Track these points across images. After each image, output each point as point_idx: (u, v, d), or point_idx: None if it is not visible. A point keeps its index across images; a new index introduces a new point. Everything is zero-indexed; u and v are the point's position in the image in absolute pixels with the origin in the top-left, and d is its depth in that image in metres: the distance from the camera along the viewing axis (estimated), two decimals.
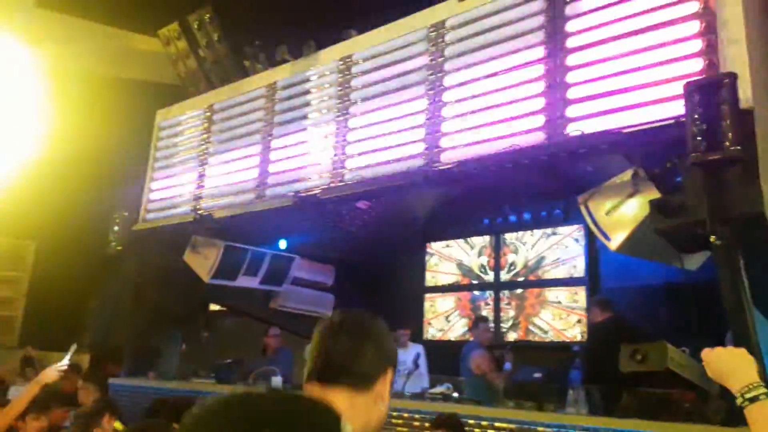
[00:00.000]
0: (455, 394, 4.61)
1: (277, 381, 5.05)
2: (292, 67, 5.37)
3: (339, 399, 1.14)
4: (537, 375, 3.78)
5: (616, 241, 3.82)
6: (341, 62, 4.97)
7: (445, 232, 7.78)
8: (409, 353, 6.34)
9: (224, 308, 7.76)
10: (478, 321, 6.48)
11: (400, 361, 6.37)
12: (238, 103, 5.74)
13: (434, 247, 7.96)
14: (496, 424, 3.82)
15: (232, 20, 6.09)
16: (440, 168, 4.09)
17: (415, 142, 4.42)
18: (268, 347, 6.52)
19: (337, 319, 1.29)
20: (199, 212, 5.70)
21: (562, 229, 6.79)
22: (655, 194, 3.55)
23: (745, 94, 3.17)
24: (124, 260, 6.31)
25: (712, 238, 3.19)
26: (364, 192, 4.61)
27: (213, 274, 5.99)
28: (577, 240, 6.68)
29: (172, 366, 6.59)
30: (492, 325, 6.79)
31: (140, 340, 6.45)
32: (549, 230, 6.91)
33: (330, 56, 5.09)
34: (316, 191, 4.83)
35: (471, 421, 3.91)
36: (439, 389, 4.69)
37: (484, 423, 3.88)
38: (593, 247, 6.45)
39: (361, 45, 4.92)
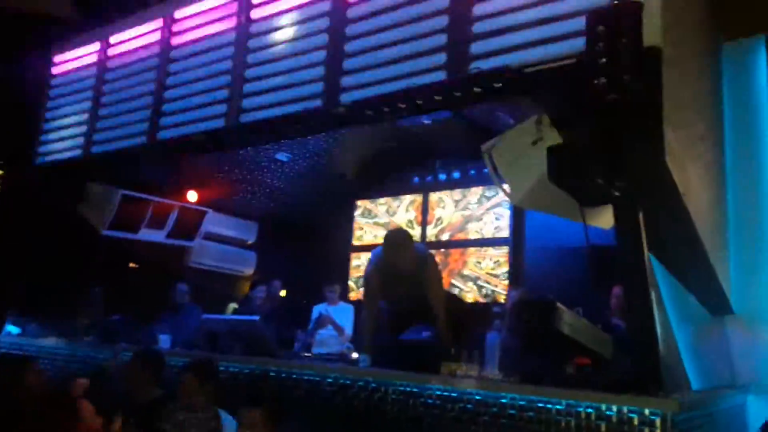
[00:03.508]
0: (354, 355, 4.31)
1: (164, 340, 4.68)
2: None
3: None
4: (426, 334, 3.48)
5: (516, 193, 3.53)
6: None
7: (374, 189, 7.43)
8: (340, 313, 5.99)
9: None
10: None
11: (320, 322, 6.12)
12: (134, 36, 5.19)
13: (362, 204, 7.61)
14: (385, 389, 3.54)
15: None
16: (333, 109, 3.69)
17: (314, 81, 4.00)
18: (176, 304, 6.11)
19: None
20: (92, 155, 5.19)
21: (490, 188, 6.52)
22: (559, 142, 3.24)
23: (654, 29, 2.85)
24: (15, 207, 5.75)
25: (610, 190, 2.92)
26: (256, 134, 4.19)
27: (109, 225, 5.53)
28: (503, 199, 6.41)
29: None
30: None
31: (34, 296, 5.95)
32: (475, 189, 6.64)
33: None
34: (209, 134, 4.38)
35: (360, 383, 3.64)
36: (336, 350, 4.40)
37: (372, 386, 3.59)
38: (519, 208, 6.20)
39: None
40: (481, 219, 6.61)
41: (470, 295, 6.47)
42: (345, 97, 3.78)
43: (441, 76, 3.46)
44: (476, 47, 3.38)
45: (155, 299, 6.52)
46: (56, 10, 5.76)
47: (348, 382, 3.65)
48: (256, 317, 4.44)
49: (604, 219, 3.70)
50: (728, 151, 4.41)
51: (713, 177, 4.10)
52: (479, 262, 6.51)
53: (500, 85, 3.03)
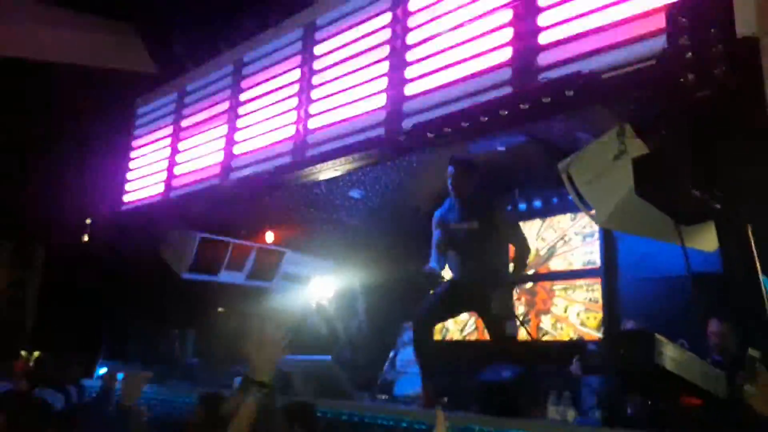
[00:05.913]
0: None
1: (238, 382, 4.57)
2: (257, 41, 4.94)
3: None
4: (507, 374, 3.15)
5: (601, 214, 3.18)
6: (304, 29, 4.50)
7: None
8: None
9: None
10: None
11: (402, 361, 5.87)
12: (207, 83, 5.35)
13: None
14: None
15: None
16: (394, 136, 3.53)
17: (376, 110, 3.88)
18: None
19: None
20: (170, 199, 5.34)
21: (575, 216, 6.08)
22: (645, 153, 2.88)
23: (748, 18, 2.50)
24: (102, 253, 5.99)
25: (709, 203, 2.53)
26: (321, 171, 4.10)
27: (189, 268, 5.61)
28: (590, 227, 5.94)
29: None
30: None
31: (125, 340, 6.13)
32: (558, 218, 6.21)
33: (293, 24, 4.63)
34: (276, 172, 4.36)
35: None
36: (414, 392, 4.12)
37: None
38: (609, 234, 5.72)
39: (324, 9, 4.44)
40: (568, 249, 6.17)
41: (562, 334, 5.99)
42: (407, 123, 3.62)
43: (507, 90, 3.23)
44: (544, 57, 3.13)
45: (236, 341, 6.52)
46: (139, 66, 6.09)
47: (424, 427, 3.37)
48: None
49: (707, 240, 3.24)
50: None
51: None
52: (568, 298, 6.04)
53: (572, 93, 2.74)
